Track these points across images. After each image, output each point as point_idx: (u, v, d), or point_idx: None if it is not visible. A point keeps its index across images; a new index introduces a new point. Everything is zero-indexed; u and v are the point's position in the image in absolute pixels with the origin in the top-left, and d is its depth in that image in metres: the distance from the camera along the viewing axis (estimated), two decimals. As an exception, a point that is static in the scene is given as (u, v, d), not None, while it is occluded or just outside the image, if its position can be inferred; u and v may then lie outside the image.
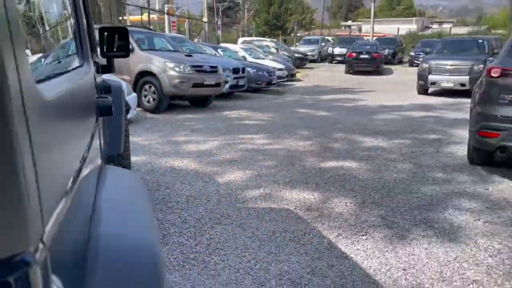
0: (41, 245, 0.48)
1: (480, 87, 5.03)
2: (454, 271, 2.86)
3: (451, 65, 12.62)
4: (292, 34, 43.19)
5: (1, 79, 0.45)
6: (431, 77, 12.83)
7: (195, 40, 26.06)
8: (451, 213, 3.83)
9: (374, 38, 30.34)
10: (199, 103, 10.28)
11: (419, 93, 13.41)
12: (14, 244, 0.45)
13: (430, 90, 13.37)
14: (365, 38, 32.45)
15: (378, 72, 20.70)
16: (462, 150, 5.94)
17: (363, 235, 3.38)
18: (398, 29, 39.33)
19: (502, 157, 5.08)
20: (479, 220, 3.69)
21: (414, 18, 55.11)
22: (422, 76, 13.14)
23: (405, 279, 2.76)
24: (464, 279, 2.77)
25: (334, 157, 5.67)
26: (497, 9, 66.44)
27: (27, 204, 0.47)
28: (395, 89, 15.05)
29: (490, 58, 11.35)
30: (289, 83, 16.96)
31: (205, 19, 32.78)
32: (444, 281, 2.75)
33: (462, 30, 39.34)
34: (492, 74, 4.76)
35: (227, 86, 11.20)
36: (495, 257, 3.05)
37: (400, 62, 27.92)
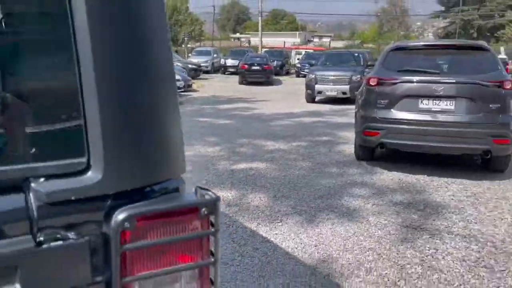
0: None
1: (362, 94, 5.95)
2: (354, 243, 3.52)
3: (333, 76, 14.09)
4: (183, 45, 43.38)
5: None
6: (318, 87, 14.17)
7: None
8: (347, 199, 4.56)
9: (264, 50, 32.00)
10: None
11: (308, 101, 14.66)
12: (180, 170, 0.82)
13: (317, 98, 14.70)
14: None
15: (269, 82, 21.93)
16: (349, 149, 6.86)
17: (279, 222, 3.91)
18: (284, 42, 41.91)
19: (381, 152, 6.08)
20: (368, 203, 4.47)
21: (297, 32, 59.07)
22: (309, 86, 14.42)
23: (317, 253, 3.34)
24: (361, 248, 3.43)
25: (242, 159, 6.18)
26: (367, 25, 74.24)
27: (183, 149, 0.83)
28: (286, 98, 16.21)
29: (367, 70, 12.94)
30: (186, 93, 17.23)
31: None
32: (347, 251, 3.38)
33: (339, 44, 43.38)
34: (370, 83, 5.69)
35: (126, 97, 11.14)
36: (383, 230, 3.79)
37: (288, 73, 29.83)
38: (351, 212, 4.20)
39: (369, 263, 3.18)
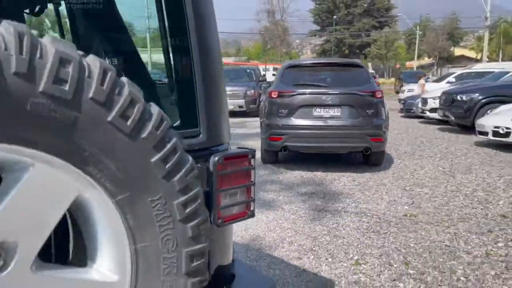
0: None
1: (265, 106, 6.85)
2: (275, 225, 4.30)
3: (230, 91, 15.02)
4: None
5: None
6: (216, 101, 15.00)
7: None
8: (262, 194, 5.35)
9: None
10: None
11: (207, 115, 15.41)
12: (229, 138, 1.46)
13: (216, 112, 15.53)
14: None
15: (164, 98, 22.21)
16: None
17: (210, 216, 4.53)
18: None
19: (284, 155, 7.03)
20: (280, 196, 5.31)
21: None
22: (208, 101, 15.19)
23: (248, 235, 4.04)
24: (282, 228, 4.22)
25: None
26: (252, 42, 77.75)
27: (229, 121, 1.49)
28: (185, 113, 16.78)
29: (264, 84, 14.07)
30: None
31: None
32: (271, 231, 4.15)
33: (229, 60, 45.01)
34: (272, 96, 6.62)
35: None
36: (295, 214, 4.64)
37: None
38: (267, 203, 5.00)
39: (290, 238, 3.98)
